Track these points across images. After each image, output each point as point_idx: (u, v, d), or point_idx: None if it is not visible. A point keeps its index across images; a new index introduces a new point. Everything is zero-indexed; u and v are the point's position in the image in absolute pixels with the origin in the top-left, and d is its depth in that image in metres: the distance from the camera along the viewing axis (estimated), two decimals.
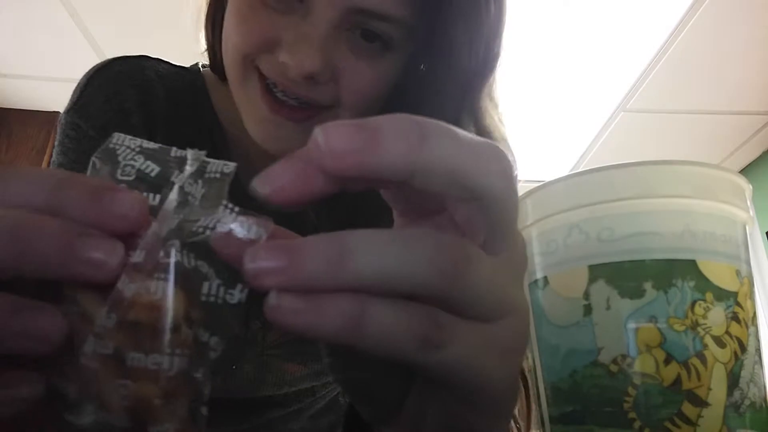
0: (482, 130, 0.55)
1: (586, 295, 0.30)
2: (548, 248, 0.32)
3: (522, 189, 0.36)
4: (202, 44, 0.63)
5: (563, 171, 2.13)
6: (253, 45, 0.46)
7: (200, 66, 0.64)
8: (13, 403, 0.18)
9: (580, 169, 0.32)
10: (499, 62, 0.52)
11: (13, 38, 2.10)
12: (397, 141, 0.18)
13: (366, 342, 0.18)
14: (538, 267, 0.33)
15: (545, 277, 0.32)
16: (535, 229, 0.34)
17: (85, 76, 0.58)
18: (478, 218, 0.21)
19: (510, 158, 0.21)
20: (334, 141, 0.18)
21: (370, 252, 0.18)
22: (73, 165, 0.54)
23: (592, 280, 0.30)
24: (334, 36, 0.45)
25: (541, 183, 0.33)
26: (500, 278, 0.21)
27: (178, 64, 0.63)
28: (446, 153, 0.19)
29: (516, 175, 0.21)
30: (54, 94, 2.37)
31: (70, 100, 0.57)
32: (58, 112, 2.53)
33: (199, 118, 0.59)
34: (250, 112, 0.50)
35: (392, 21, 0.45)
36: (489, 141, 0.20)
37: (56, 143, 0.56)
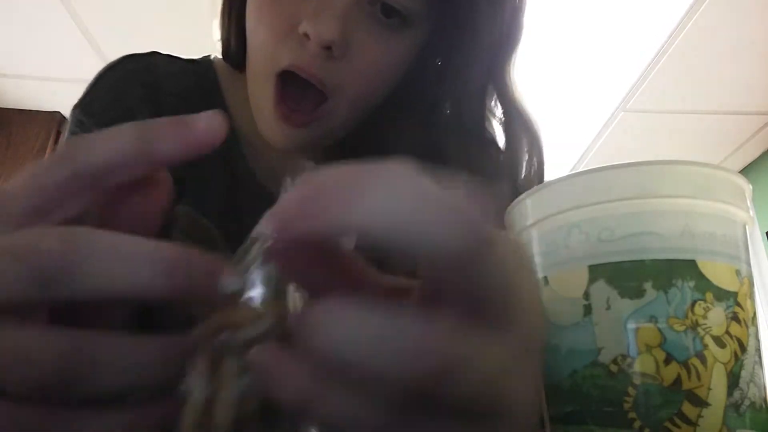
0: (509, 104, 0.55)
1: (586, 295, 0.30)
2: (548, 248, 0.32)
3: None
4: (213, 34, 0.62)
5: (563, 171, 2.13)
6: (278, 33, 0.47)
7: (212, 57, 0.63)
8: None
9: (580, 169, 0.32)
10: (522, 36, 0.52)
11: (13, 38, 2.10)
12: (331, 205, 0.17)
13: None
14: (538, 267, 0.33)
15: (545, 277, 0.32)
16: (535, 229, 0.34)
17: (97, 74, 0.58)
18: (456, 286, 0.18)
19: (478, 214, 0.18)
20: (280, 215, 0.19)
21: (347, 349, 0.17)
22: None
23: (592, 280, 0.30)
24: (354, 9, 0.45)
25: (541, 183, 0.33)
26: (497, 369, 0.18)
27: (188, 57, 0.62)
28: (383, 210, 0.17)
29: (487, 235, 0.18)
30: (54, 94, 2.37)
31: (80, 97, 0.57)
32: (58, 112, 2.53)
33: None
34: (263, 113, 0.50)
35: None
36: (454, 193, 0.18)
37: (65, 139, 0.57)
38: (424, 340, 0.17)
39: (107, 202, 0.22)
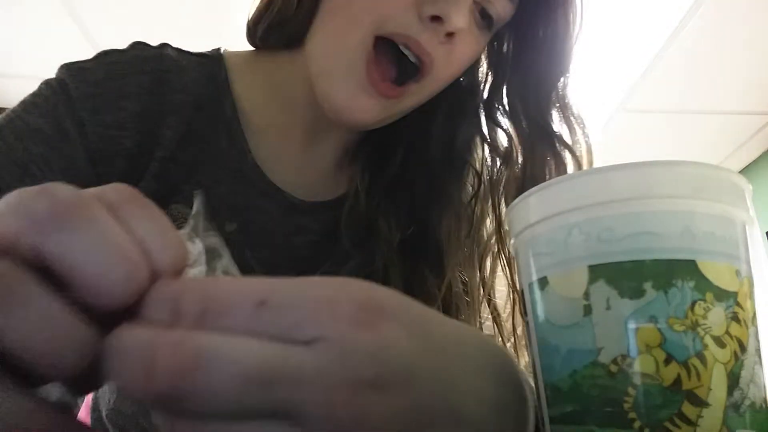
0: (569, 111, 0.59)
1: (586, 295, 0.30)
2: (548, 248, 0.32)
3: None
4: (202, 43, 0.62)
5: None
6: (396, 5, 0.48)
7: (222, 51, 0.62)
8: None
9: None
10: (570, 65, 0.58)
11: (13, 38, 2.10)
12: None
13: None
14: (538, 267, 0.33)
15: (545, 277, 0.32)
16: (535, 229, 0.34)
17: (102, 51, 0.57)
18: None
19: None
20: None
21: None
22: (40, 125, 0.51)
23: (592, 280, 0.30)
24: (471, 5, 0.50)
25: (541, 183, 0.33)
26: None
27: (198, 51, 0.62)
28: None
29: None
30: None
31: (74, 61, 0.56)
32: None
33: (218, 110, 0.58)
34: (342, 83, 0.49)
35: (506, 5, 0.51)
36: None
37: (24, 100, 0.54)
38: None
39: None
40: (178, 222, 0.50)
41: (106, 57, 0.57)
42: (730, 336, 0.29)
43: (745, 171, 2.67)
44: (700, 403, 0.28)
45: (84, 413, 0.71)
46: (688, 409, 0.27)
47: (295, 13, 0.56)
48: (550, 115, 0.59)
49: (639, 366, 0.28)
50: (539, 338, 0.33)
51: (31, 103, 0.54)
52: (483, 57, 0.62)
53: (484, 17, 0.51)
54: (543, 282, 0.33)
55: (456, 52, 0.50)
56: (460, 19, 0.47)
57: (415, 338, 0.20)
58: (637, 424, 0.28)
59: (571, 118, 0.59)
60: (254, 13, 0.59)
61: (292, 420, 0.18)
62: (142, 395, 0.18)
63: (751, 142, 2.51)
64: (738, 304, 0.30)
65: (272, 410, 0.18)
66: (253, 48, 0.63)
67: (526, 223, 0.34)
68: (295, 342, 0.18)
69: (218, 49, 0.63)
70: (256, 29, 0.60)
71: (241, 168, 0.56)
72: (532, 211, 0.34)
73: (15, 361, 0.18)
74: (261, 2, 0.59)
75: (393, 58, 0.50)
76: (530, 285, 0.34)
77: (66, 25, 2.03)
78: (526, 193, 0.35)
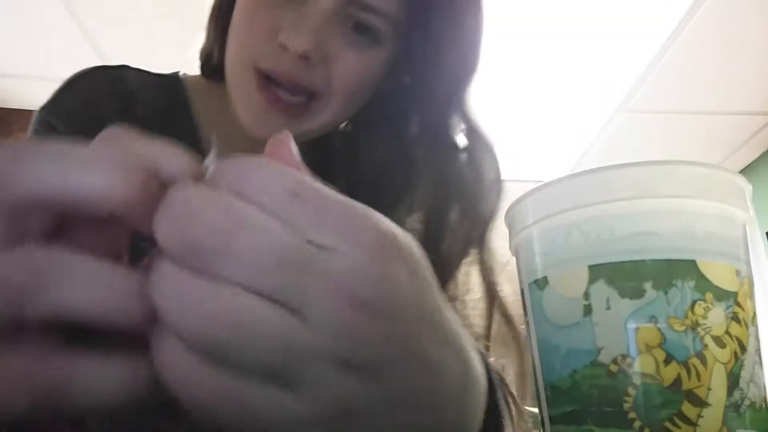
0: (473, 127, 0.59)
1: (586, 295, 0.30)
2: (548, 248, 0.32)
3: (522, 189, 0.36)
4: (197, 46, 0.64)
5: (563, 171, 2.13)
6: (258, 38, 0.50)
7: (180, 74, 0.64)
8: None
9: (580, 169, 0.32)
10: (480, 65, 0.57)
11: (13, 38, 2.10)
12: None
13: None
14: (538, 267, 0.33)
15: (545, 277, 0.32)
16: (535, 228, 0.34)
17: (65, 81, 0.59)
18: None
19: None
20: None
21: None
22: None
23: (592, 280, 0.30)
24: (328, 23, 0.49)
25: (541, 183, 0.33)
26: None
27: (158, 72, 0.63)
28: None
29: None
30: None
31: (48, 100, 0.58)
32: None
33: (179, 129, 0.59)
34: (246, 106, 0.52)
35: (382, 14, 0.50)
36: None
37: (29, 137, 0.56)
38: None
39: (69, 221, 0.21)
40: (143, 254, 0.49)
41: (74, 84, 0.58)
42: (730, 336, 0.29)
43: (745, 171, 2.67)
44: (700, 403, 0.28)
45: None
46: (688, 409, 0.27)
47: (212, 48, 0.60)
48: (450, 124, 0.59)
49: (639, 366, 0.28)
50: (539, 338, 0.33)
51: None
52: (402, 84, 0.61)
53: (362, 31, 0.51)
54: (543, 282, 0.33)
55: (335, 71, 0.51)
56: (300, 41, 0.48)
57: (414, 292, 0.21)
58: (637, 424, 0.28)
59: (471, 126, 0.59)
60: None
61: (297, 314, 0.19)
62: (177, 244, 0.19)
63: (751, 142, 2.51)
64: (738, 304, 0.30)
65: (282, 296, 0.19)
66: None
67: (525, 223, 0.34)
68: (310, 242, 0.19)
69: (176, 72, 0.65)
70: (200, 62, 0.63)
71: None
72: (532, 210, 0.34)
73: (87, 333, 0.19)
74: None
75: (287, 88, 0.51)
76: (530, 285, 0.34)
77: (66, 26, 2.03)
78: (525, 193, 0.35)
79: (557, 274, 0.32)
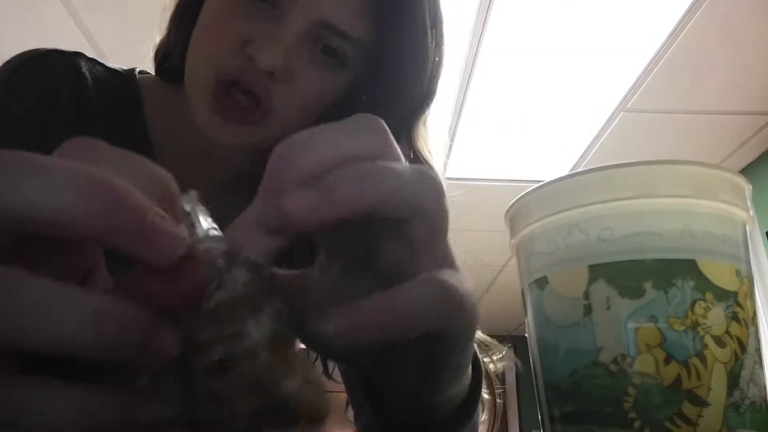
0: (414, 151, 0.60)
1: (586, 295, 0.30)
2: (548, 248, 0.32)
3: (522, 189, 0.36)
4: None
5: (563, 171, 2.13)
6: (225, 47, 0.50)
7: (137, 72, 0.63)
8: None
9: (580, 169, 0.32)
10: (435, 99, 0.58)
11: (13, 38, 2.10)
12: (352, 194, 0.21)
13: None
14: (538, 266, 0.33)
15: (545, 277, 0.32)
16: (535, 228, 0.34)
17: (16, 60, 0.56)
18: (416, 241, 0.23)
19: (440, 180, 0.24)
20: (297, 206, 0.21)
21: None
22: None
23: (592, 280, 0.30)
24: (299, 43, 0.50)
25: (541, 183, 0.33)
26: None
27: (114, 67, 0.62)
28: (393, 189, 0.22)
29: (444, 194, 0.24)
30: None
31: None
32: None
33: (129, 127, 0.58)
34: (202, 110, 0.52)
35: (352, 40, 0.51)
36: (421, 167, 0.23)
37: None
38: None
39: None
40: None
41: (27, 66, 0.56)
42: (730, 335, 0.29)
43: (745, 171, 2.67)
44: (700, 402, 0.28)
45: None
46: (688, 408, 0.27)
47: (172, 49, 0.59)
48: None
49: (639, 366, 0.28)
50: (539, 338, 0.33)
51: None
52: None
53: (329, 54, 0.51)
54: (543, 281, 0.33)
55: (296, 89, 0.51)
56: (270, 58, 0.48)
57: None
58: (637, 424, 0.28)
59: (415, 155, 0.59)
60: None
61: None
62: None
63: (751, 142, 2.51)
64: (738, 303, 0.30)
65: None
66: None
67: (525, 222, 0.34)
68: None
69: (133, 69, 0.63)
70: (155, 62, 0.62)
71: None
72: (532, 210, 0.34)
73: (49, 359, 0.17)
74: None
75: (243, 94, 0.51)
76: (530, 284, 0.34)
77: (66, 25, 2.03)
78: (525, 192, 0.35)
79: (557, 273, 0.32)
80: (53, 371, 0.18)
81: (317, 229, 0.21)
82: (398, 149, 0.24)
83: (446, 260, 0.25)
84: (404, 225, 0.23)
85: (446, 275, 0.22)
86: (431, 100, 0.58)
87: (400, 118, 0.57)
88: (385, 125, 0.24)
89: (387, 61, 0.54)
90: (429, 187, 0.23)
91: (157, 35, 0.61)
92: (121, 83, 0.60)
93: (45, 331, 0.17)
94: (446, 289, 0.22)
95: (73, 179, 0.17)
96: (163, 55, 0.61)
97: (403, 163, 0.23)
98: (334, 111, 0.56)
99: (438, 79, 0.57)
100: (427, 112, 0.59)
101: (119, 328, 0.17)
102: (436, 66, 0.56)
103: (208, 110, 0.51)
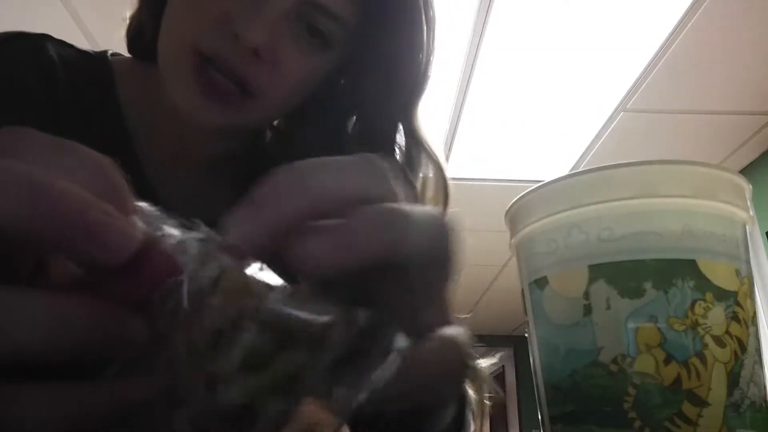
0: (415, 136, 0.58)
1: (586, 295, 0.30)
2: (548, 248, 0.32)
3: (522, 189, 0.36)
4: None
5: (563, 171, 2.13)
6: (205, 22, 0.47)
7: (109, 54, 0.60)
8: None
9: (580, 169, 0.32)
10: (430, 81, 0.57)
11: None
12: (380, 240, 0.21)
13: None
14: (538, 266, 0.33)
15: (545, 277, 0.32)
16: (535, 228, 0.34)
17: None
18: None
19: (452, 225, 0.23)
20: (317, 250, 0.20)
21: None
22: None
23: (592, 280, 0.30)
24: (283, 21, 0.48)
25: (541, 183, 0.33)
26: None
27: (84, 49, 0.59)
28: (418, 236, 0.21)
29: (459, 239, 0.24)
30: None
31: None
32: None
33: (103, 111, 0.55)
34: (181, 90, 0.49)
35: (338, 20, 0.49)
36: (435, 212, 0.23)
37: None
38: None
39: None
40: None
41: None
42: (730, 335, 0.29)
43: (745, 171, 2.67)
44: (700, 402, 0.28)
45: None
46: (688, 408, 0.27)
47: (144, 24, 0.56)
48: (394, 140, 0.59)
49: (639, 366, 0.28)
50: (539, 338, 0.33)
51: None
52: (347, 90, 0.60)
53: (314, 34, 0.50)
54: (543, 281, 0.33)
55: (281, 69, 0.49)
56: (255, 35, 0.46)
57: None
58: (637, 424, 0.28)
59: (418, 144, 0.58)
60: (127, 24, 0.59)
61: None
62: None
63: (751, 142, 2.51)
64: (738, 303, 0.30)
65: None
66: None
67: (525, 222, 0.34)
68: None
69: (105, 51, 0.60)
70: (126, 39, 0.59)
71: (127, 176, 0.53)
72: (532, 210, 0.34)
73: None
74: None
75: (225, 74, 0.49)
76: (530, 284, 0.34)
77: (66, 25, 2.03)
78: (525, 192, 0.35)
79: (557, 274, 0.32)
80: (8, 375, 0.17)
81: (335, 273, 0.20)
82: (401, 191, 0.23)
83: (448, 308, 0.25)
84: (416, 270, 0.23)
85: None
86: (425, 86, 0.57)
87: (397, 104, 0.56)
88: (387, 166, 0.23)
89: (379, 44, 0.52)
90: (444, 232, 0.23)
91: (128, 9, 0.58)
92: (93, 65, 0.57)
93: (12, 342, 0.16)
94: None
95: (3, 181, 0.16)
96: (135, 31, 0.57)
97: (417, 207, 0.22)
98: (323, 94, 0.55)
99: (428, 63, 0.56)
100: (420, 101, 0.58)
101: (87, 326, 0.17)
102: (430, 50, 0.55)
103: (188, 90, 0.48)
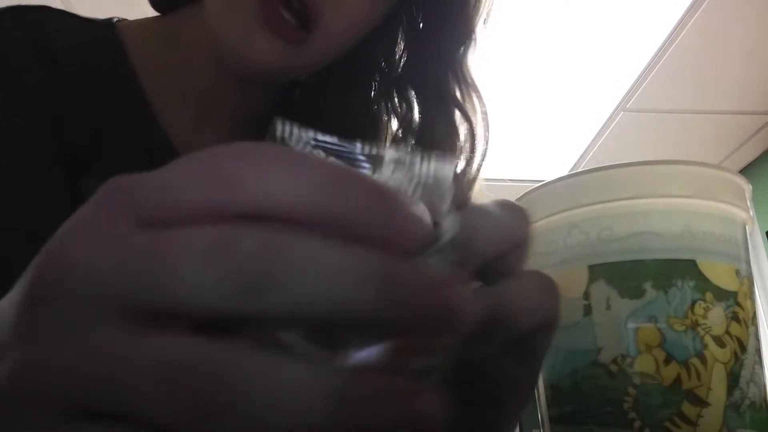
0: (469, 87, 0.58)
1: (586, 295, 0.30)
2: (548, 248, 0.32)
3: (522, 189, 0.36)
4: None
5: (563, 171, 2.13)
6: None
7: (115, 20, 0.57)
8: None
9: (580, 169, 0.32)
10: (483, 26, 0.57)
11: None
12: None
13: None
14: (538, 266, 0.33)
15: None
16: (535, 228, 0.34)
17: None
18: None
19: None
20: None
21: None
22: None
23: (592, 280, 0.30)
24: None
25: (541, 183, 0.33)
26: None
27: (87, 17, 0.56)
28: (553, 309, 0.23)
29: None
30: None
31: None
32: None
33: (115, 81, 0.52)
34: (237, 19, 0.46)
35: None
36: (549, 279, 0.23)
37: None
38: None
39: None
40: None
41: None
42: (730, 336, 0.29)
43: (745, 171, 2.67)
44: (700, 402, 0.28)
45: None
46: (688, 408, 0.27)
47: None
48: (449, 84, 0.59)
49: (639, 366, 0.28)
50: None
51: None
52: (401, 36, 0.60)
53: None
54: None
55: (347, 5, 0.47)
56: None
57: None
58: (637, 424, 0.28)
59: (468, 88, 0.58)
60: None
61: None
62: None
63: (751, 142, 2.51)
64: (738, 303, 0.30)
65: None
66: (157, 14, 0.58)
67: None
68: None
69: (110, 18, 0.57)
70: None
71: (149, 143, 0.51)
72: (532, 209, 0.34)
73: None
74: None
75: (286, 5, 0.46)
76: None
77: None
78: (525, 193, 0.35)
79: (557, 274, 0.32)
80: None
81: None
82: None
83: None
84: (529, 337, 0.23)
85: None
86: (474, 35, 0.57)
87: (451, 48, 0.56)
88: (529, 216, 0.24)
89: None
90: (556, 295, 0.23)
91: None
92: (98, 32, 0.54)
93: (327, 293, 0.14)
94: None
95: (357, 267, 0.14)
96: None
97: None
98: (378, 37, 0.54)
99: (481, 14, 0.57)
100: (467, 45, 0.58)
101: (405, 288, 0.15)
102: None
103: (249, 22, 0.45)
